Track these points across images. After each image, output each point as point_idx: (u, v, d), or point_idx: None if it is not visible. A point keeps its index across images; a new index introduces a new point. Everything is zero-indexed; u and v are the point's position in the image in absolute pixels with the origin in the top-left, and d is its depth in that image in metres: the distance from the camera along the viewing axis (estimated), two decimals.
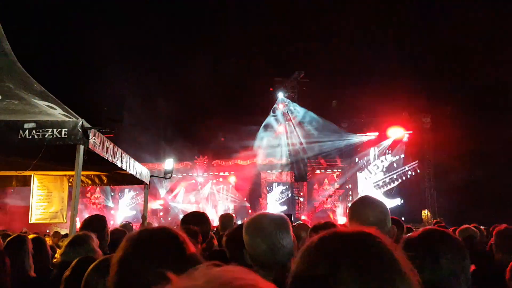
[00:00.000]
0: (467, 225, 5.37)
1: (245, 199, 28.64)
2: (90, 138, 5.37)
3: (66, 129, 5.18)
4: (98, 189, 27.51)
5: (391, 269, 0.95)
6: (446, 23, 25.42)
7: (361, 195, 2.62)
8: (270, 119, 28.08)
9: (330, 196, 27.45)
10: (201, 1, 29.24)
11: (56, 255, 5.78)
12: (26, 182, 9.04)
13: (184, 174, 28.35)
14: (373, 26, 27.44)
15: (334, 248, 0.99)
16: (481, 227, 6.86)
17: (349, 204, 20.42)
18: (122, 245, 1.50)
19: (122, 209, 28.71)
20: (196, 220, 3.74)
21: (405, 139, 26.42)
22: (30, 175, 8.60)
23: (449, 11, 25.88)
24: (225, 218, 6.13)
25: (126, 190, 28.76)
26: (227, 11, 29.11)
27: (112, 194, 29.02)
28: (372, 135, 26.74)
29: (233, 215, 6.69)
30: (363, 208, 2.45)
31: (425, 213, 25.68)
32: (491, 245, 4.05)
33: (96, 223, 4.17)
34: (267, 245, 2.11)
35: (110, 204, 28.76)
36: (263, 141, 27.60)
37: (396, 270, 0.95)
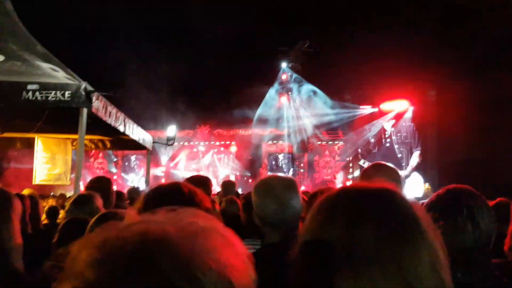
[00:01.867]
0: None
1: (245, 169, 28.77)
2: (93, 101, 5.39)
3: (69, 92, 5.20)
4: (101, 154, 27.63)
5: (413, 227, 0.89)
6: None
7: (374, 162, 2.61)
8: (272, 89, 27.96)
9: (331, 168, 27.53)
10: None
11: (59, 216, 5.89)
12: (30, 144, 9.13)
13: (186, 143, 28.39)
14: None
15: (351, 204, 0.93)
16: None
17: (349, 176, 20.57)
18: (141, 198, 1.55)
19: (130, 177, 28.86)
20: (199, 183, 3.78)
21: (409, 114, 26.28)
22: (34, 138, 8.67)
23: None
24: (227, 184, 6.21)
25: (134, 157, 28.92)
26: None
27: (115, 160, 29.15)
28: (375, 108, 26.61)
29: (235, 182, 6.75)
30: (376, 173, 2.48)
31: (426, 187, 25.76)
32: None
33: (101, 183, 4.22)
34: (277, 204, 2.14)
35: (113, 169, 28.91)
36: (265, 111, 27.54)
37: (418, 230, 0.89)
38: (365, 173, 2.57)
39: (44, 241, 3.15)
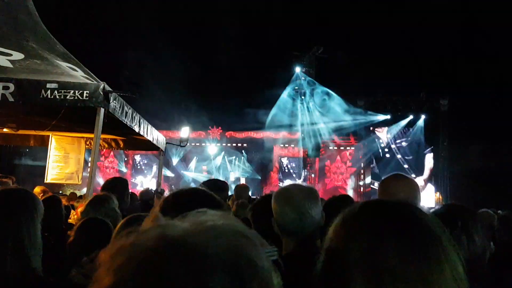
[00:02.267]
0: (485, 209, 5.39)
1: (256, 172, 28.76)
2: (110, 101, 5.40)
3: (88, 91, 5.20)
4: (112, 153, 27.76)
5: (436, 243, 0.91)
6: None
7: (393, 173, 2.61)
8: (286, 93, 27.94)
9: (342, 173, 27.44)
10: None
11: (70, 215, 5.91)
12: (43, 142, 9.16)
13: (197, 144, 28.45)
14: (393, 5, 26.88)
15: (375, 219, 0.95)
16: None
17: (361, 183, 20.51)
18: (161, 202, 1.56)
19: (141, 178, 28.96)
20: (216, 188, 3.77)
21: (421, 121, 26.17)
22: (48, 135, 8.70)
23: None
24: (241, 188, 6.20)
25: (138, 157, 29.02)
26: None
27: (126, 159, 29.28)
28: (388, 115, 26.51)
29: (248, 186, 6.73)
30: (395, 184, 2.45)
31: (437, 195, 25.62)
32: None
33: (118, 185, 4.22)
34: (296, 213, 2.13)
35: (123, 169, 29.04)
36: (278, 114, 27.52)
37: (441, 246, 0.91)
38: (384, 184, 2.55)
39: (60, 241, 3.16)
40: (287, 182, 26.58)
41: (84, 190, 19.14)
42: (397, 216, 0.96)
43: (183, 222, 0.68)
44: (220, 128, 28.19)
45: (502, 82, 23.27)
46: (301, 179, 26.87)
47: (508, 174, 20.83)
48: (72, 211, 6.18)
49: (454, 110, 25.05)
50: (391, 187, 2.45)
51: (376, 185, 23.51)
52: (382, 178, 2.61)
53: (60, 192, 17.59)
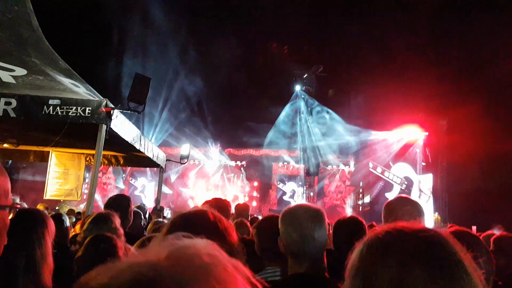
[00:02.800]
0: (492, 231, 5.38)
1: (255, 190, 28.67)
2: (112, 118, 5.39)
3: (90, 108, 5.20)
4: (110, 169, 27.68)
5: (460, 269, 0.93)
6: (466, 26, 25.00)
7: (398, 195, 2.62)
8: (286, 111, 28.02)
9: (341, 192, 27.38)
10: None
11: (71, 233, 5.85)
12: (43, 157, 9.14)
13: (196, 161, 28.41)
14: (393, 26, 27.12)
15: (402, 245, 0.97)
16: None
17: (360, 202, 20.42)
18: (167, 224, 1.57)
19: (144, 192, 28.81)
20: (218, 207, 3.74)
21: (421, 141, 26.21)
22: (48, 151, 8.68)
23: (469, 12, 25.43)
24: (241, 208, 6.16)
25: (137, 173, 28.92)
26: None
27: (124, 176, 29.18)
28: (387, 134, 26.54)
29: (248, 205, 6.69)
30: (400, 207, 2.47)
31: (435, 216, 25.50)
32: None
33: (120, 202, 4.20)
34: (298, 235, 2.13)
35: (121, 185, 28.93)
36: (277, 132, 27.56)
37: (464, 270, 0.94)
38: (389, 206, 2.56)
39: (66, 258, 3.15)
40: (287, 199, 26.56)
41: (81, 206, 19.05)
42: (422, 241, 0.97)
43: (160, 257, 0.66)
44: (219, 145, 28.19)
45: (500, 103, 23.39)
46: (304, 199, 26.75)
47: (508, 195, 20.78)
48: (72, 228, 6.13)
49: (453, 131, 25.11)
50: (396, 210, 2.47)
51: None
52: (387, 200, 2.62)
53: (57, 208, 17.49)
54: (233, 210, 6.16)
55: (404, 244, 0.97)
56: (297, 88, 27.21)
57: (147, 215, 7.21)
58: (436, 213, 25.55)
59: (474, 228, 14.08)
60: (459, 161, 23.17)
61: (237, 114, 27.45)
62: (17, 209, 1.85)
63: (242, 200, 26.88)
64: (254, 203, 27.28)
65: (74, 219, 9.10)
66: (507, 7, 23.34)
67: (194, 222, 1.56)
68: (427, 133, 26.21)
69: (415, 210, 2.45)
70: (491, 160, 21.41)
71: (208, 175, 28.70)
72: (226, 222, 1.62)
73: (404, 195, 2.64)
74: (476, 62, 24.80)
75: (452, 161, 24.94)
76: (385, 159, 26.51)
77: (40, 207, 6.56)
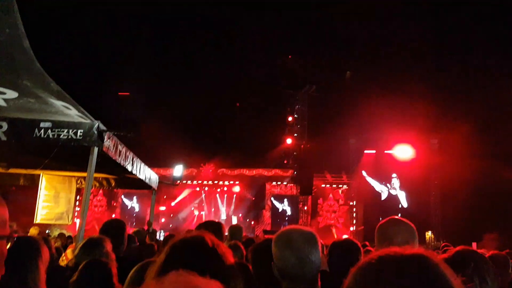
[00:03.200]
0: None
1: (248, 210, 28.53)
2: (105, 140, 5.35)
3: (82, 130, 5.16)
4: (101, 191, 27.45)
5: None
6: (459, 46, 25.40)
7: (390, 217, 2.61)
8: (278, 130, 28.07)
9: (334, 211, 27.30)
10: (220, 13, 29.32)
11: (61, 257, 5.75)
12: (34, 180, 9.02)
13: (189, 181, 28.25)
14: (385, 46, 27.49)
15: (395, 270, 1.00)
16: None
17: (355, 221, 20.37)
18: (165, 249, 1.58)
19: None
20: (213, 229, 3.69)
21: (412, 160, 26.33)
22: (39, 174, 8.58)
23: (462, 33, 25.86)
24: (235, 229, 6.09)
25: (128, 195, 28.70)
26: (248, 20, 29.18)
27: (115, 197, 28.95)
28: (379, 153, 26.65)
29: (242, 226, 6.63)
30: (393, 229, 2.48)
31: (429, 234, 25.48)
32: None
33: (115, 227, 4.18)
34: (296, 258, 2.12)
35: (112, 208, 28.69)
36: (270, 152, 27.56)
37: None
38: (381, 228, 2.55)
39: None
40: (281, 220, 26.42)
41: (71, 229, 18.78)
42: (415, 267, 1.00)
43: None
44: (212, 165, 28.10)
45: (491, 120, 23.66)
46: (299, 221, 26.62)
47: (500, 213, 20.86)
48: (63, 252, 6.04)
49: (444, 149, 25.28)
50: (389, 232, 2.47)
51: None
52: (380, 222, 2.61)
53: (47, 231, 17.24)
54: (226, 231, 6.10)
55: (396, 270, 0.99)
56: (291, 107, 27.37)
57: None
58: (430, 231, 25.53)
59: (474, 244, 14.10)
60: (451, 179, 23.28)
61: (230, 134, 27.47)
62: (15, 238, 1.86)
63: (235, 220, 26.72)
64: (247, 224, 27.12)
65: (60, 243, 8.96)
66: (499, 33, 23.81)
67: (192, 248, 1.57)
68: (418, 152, 26.34)
69: (408, 233, 2.44)
70: (482, 177, 21.52)
71: (201, 195, 28.55)
72: (224, 247, 1.63)
73: (396, 217, 2.63)
74: (466, 84, 25.16)
75: (444, 180, 25.05)
76: (378, 177, 26.58)
77: (33, 230, 6.47)
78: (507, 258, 4.18)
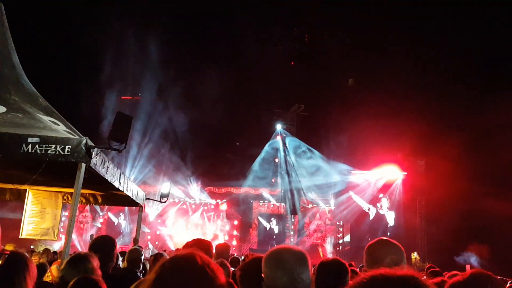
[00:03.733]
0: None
1: (235, 228, 28.36)
2: (92, 156, 5.34)
3: (70, 146, 5.14)
4: (87, 207, 27.16)
5: None
6: (445, 70, 25.83)
7: (379, 238, 2.63)
8: (267, 150, 28.13)
9: (321, 231, 27.26)
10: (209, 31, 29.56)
11: (47, 274, 5.69)
12: (20, 196, 8.91)
13: (176, 199, 28.08)
14: (372, 67, 27.83)
15: None
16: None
17: (340, 241, 20.33)
18: (155, 269, 1.56)
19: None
20: (200, 247, 3.69)
21: (399, 181, 26.49)
22: (25, 189, 8.48)
23: (443, 53, 26.32)
24: (221, 248, 6.06)
25: (114, 212, 28.41)
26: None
27: (101, 214, 28.63)
28: (367, 174, 26.79)
29: (229, 244, 6.60)
30: (381, 249, 2.48)
31: (414, 256, 25.52)
32: None
33: (104, 243, 4.16)
34: (288, 278, 2.12)
35: (98, 224, 28.35)
36: (258, 171, 27.57)
37: None
38: (371, 248, 2.57)
39: None
40: (268, 239, 26.29)
41: (56, 245, 18.53)
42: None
43: None
44: (200, 183, 27.99)
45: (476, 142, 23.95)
46: (286, 240, 26.50)
47: (485, 234, 20.99)
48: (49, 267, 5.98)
49: (431, 170, 25.50)
50: (378, 252, 2.49)
51: None
52: (369, 243, 2.63)
53: (32, 247, 17.01)
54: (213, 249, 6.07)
55: None
56: (279, 127, 27.49)
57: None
58: (415, 252, 25.57)
59: (468, 267, 14.11)
60: (437, 201, 23.47)
61: (218, 152, 27.46)
62: (7, 255, 1.86)
63: (222, 239, 26.54)
64: (234, 242, 26.94)
65: (46, 259, 8.83)
66: (483, 57, 24.29)
67: (182, 266, 1.56)
68: (405, 173, 26.53)
69: (397, 253, 2.46)
70: (469, 199, 21.70)
71: (187, 213, 28.35)
72: (214, 265, 1.62)
73: (385, 238, 2.66)
74: (453, 107, 25.51)
75: (430, 201, 25.22)
76: (366, 197, 26.67)
77: (8, 247, 6.37)
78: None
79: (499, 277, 4.80)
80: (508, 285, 4.32)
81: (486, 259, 19.04)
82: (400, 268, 1.10)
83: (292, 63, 29.21)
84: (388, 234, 25.02)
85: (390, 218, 26.26)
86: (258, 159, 27.87)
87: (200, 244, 3.87)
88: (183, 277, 1.49)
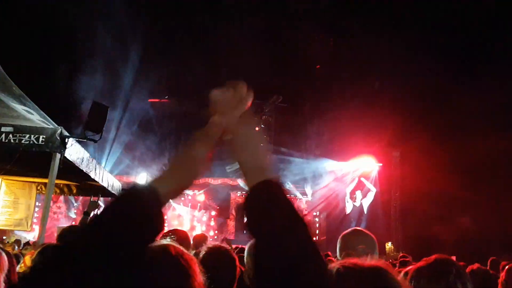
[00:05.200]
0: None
1: (212, 219, 28.36)
2: (67, 147, 5.27)
3: (44, 136, 5.08)
4: (61, 198, 26.74)
5: None
6: (419, 64, 26.17)
7: (353, 228, 2.68)
8: None
9: None
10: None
11: (20, 264, 5.61)
12: None
13: None
14: (350, 62, 27.99)
15: (354, 283, 1.06)
16: None
17: (317, 231, 20.43)
18: None
19: None
20: (177, 238, 3.69)
21: (375, 172, 26.80)
22: None
23: (418, 43, 26.63)
24: (199, 238, 6.09)
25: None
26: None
27: (75, 204, 28.22)
28: (343, 164, 27.03)
29: (206, 235, 6.63)
30: (355, 239, 2.52)
31: (389, 245, 25.89)
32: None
33: (72, 234, 4.08)
34: None
35: (72, 214, 27.95)
36: (235, 162, 27.57)
37: None
38: (344, 237, 2.62)
39: None
40: (242, 229, 26.36)
41: (29, 235, 18.28)
42: (373, 280, 1.07)
43: None
44: None
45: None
46: None
47: (463, 224, 21.44)
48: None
49: (406, 161, 25.87)
50: (350, 242, 2.53)
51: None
52: (343, 232, 2.67)
53: (4, 237, 16.71)
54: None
55: (354, 282, 1.06)
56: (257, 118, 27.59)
57: None
58: (390, 242, 25.95)
59: (453, 257, 14.43)
60: (411, 191, 23.85)
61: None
62: None
63: (199, 230, 26.49)
64: (212, 233, 26.92)
65: (16, 248, 8.70)
66: (457, 46, 24.65)
67: (154, 258, 1.50)
68: (381, 164, 26.84)
69: (368, 243, 2.51)
70: (442, 190, 22.11)
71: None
72: (188, 256, 1.59)
73: (359, 228, 2.71)
74: (427, 97, 25.88)
75: (406, 191, 25.59)
76: (342, 189, 26.95)
77: None
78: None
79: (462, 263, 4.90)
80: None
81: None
82: (370, 258, 1.14)
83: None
84: (364, 225, 25.34)
85: (366, 208, 26.56)
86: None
87: (177, 235, 3.86)
88: (155, 268, 1.47)
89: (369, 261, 1.13)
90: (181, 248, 1.63)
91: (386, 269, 1.10)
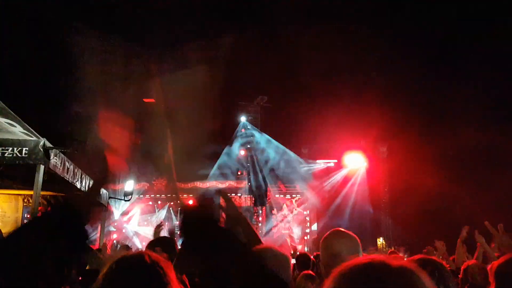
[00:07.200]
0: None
1: None
2: (51, 158, 5.23)
3: (27, 148, 5.03)
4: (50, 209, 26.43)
5: None
6: (404, 60, 26.36)
7: (333, 229, 2.65)
8: (231, 143, 28.10)
9: (288, 221, 27.45)
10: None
11: None
12: None
13: (141, 196, 27.67)
14: (334, 56, 28.05)
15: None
16: None
17: (307, 230, 20.51)
18: (104, 272, 1.54)
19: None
20: (165, 245, 3.68)
21: (363, 168, 26.92)
22: None
23: (407, 47, 26.86)
24: None
25: None
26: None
27: None
28: (331, 162, 27.14)
29: None
30: (336, 240, 2.49)
31: (380, 241, 26.02)
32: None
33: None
34: None
35: None
36: (223, 164, 27.52)
37: None
38: (325, 242, 2.58)
39: None
40: None
41: None
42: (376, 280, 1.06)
43: None
44: (165, 179, 27.70)
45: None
46: (259, 232, 26.43)
47: (451, 217, 21.60)
48: None
49: (393, 157, 26.02)
50: (334, 245, 2.49)
51: None
52: (324, 235, 2.63)
53: None
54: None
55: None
56: (243, 119, 27.48)
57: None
58: (381, 238, 26.08)
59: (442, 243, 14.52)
60: (400, 186, 24.01)
61: (182, 147, 27.15)
62: None
63: None
64: None
65: None
66: (442, 41, 24.89)
67: (130, 266, 1.55)
68: (368, 160, 26.98)
69: (353, 245, 2.48)
70: (429, 184, 22.28)
71: (154, 210, 28.04)
72: (164, 263, 1.60)
73: (339, 229, 2.66)
74: (413, 92, 26.11)
75: (393, 187, 25.77)
76: (332, 186, 27.05)
77: None
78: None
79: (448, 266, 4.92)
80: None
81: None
82: (353, 257, 1.15)
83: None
84: (353, 222, 25.46)
85: (354, 205, 26.66)
86: (223, 152, 27.82)
87: (164, 241, 3.84)
88: (131, 277, 1.49)
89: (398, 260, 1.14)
90: (158, 255, 1.64)
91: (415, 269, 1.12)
